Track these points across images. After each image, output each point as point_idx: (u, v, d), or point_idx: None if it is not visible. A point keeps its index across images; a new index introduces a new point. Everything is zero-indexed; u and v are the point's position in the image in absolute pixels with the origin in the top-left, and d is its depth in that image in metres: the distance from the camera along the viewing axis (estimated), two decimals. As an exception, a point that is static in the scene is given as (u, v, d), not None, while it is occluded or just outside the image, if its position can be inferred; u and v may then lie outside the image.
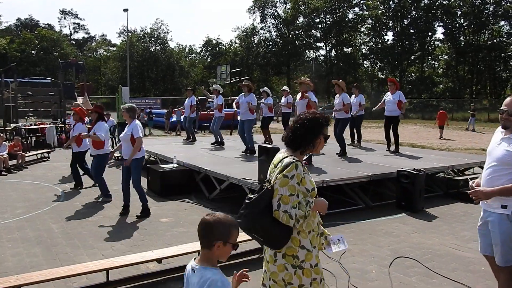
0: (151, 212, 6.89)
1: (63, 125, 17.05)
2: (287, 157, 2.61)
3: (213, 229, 1.96)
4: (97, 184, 8.00)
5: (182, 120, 16.13)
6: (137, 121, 6.70)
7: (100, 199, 7.74)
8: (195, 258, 2.05)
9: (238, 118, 11.21)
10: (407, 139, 18.83)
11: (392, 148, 10.47)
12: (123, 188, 6.76)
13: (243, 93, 10.52)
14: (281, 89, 13.47)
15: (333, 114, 10.16)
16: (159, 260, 4.38)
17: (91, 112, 8.24)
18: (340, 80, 10.48)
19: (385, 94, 10.40)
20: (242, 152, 10.27)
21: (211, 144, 11.80)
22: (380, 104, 10.84)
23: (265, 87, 13.25)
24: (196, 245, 4.63)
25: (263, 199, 2.53)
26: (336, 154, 9.64)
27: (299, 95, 9.01)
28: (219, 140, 11.84)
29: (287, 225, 2.48)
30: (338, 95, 10.10)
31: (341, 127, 9.92)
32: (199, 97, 13.71)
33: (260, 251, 5.03)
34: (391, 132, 10.25)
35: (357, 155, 9.83)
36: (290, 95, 12.95)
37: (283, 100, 12.84)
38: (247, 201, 2.56)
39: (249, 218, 2.52)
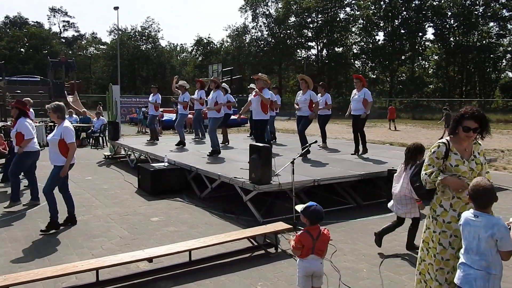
0: (142, 211, 6.86)
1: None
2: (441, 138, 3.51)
3: (493, 192, 2.78)
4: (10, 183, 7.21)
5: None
6: (67, 122, 5.93)
7: (23, 204, 7.09)
8: (471, 210, 2.85)
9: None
10: (398, 139, 18.96)
11: (360, 149, 9.64)
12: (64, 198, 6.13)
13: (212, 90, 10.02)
14: (248, 87, 13.11)
15: (296, 112, 9.66)
16: (149, 260, 4.35)
17: (12, 108, 7.08)
18: (307, 76, 9.75)
19: (353, 92, 9.65)
20: (208, 154, 9.45)
21: (175, 145, 11.19)
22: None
23: (223, 83, 12.92)
24: (188, 244, 4.61)
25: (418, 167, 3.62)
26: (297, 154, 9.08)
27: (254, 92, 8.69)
28: (182, 139, 11.31)
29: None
30: (302, 92, 9.47)
31: (304, 125, 9.36)
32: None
33: (250, 250, 5.03)
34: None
35: (321, 155, 9.63)
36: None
37: (250, 97, 12.66)
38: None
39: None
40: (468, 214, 2.84)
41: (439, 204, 3.33)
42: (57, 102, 6.11)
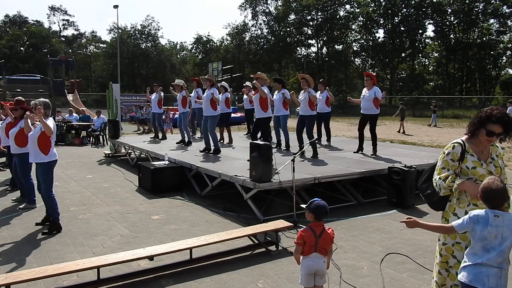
0: (142, 209, 6.86)
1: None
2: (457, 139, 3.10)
3: (504, 193, 2.66)
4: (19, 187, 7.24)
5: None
6: (51, 120, 5.80)
7: (22, 205, 6.97)
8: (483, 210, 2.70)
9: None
10: (398, 136, 18.97)
11: (370, 151, 9.34)
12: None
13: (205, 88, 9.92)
14: (244, 84, 12.86)
15: (297, 110, 9.81)
16: (150, 258, 4.35)
17: (16, 109, 6.84)
18: (307, 75, 9.53)
19: (363, 90, 9.45)
20: (201, 151, 9.61)
21: (176, 143, 11.27)
22: (358, 100, 9.83)
23: (222, 82, 12.87)
24: (188, 242, 4.61)
25: (429, 171, 3.24)
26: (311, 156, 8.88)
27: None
28: (185, 138, 11.30)
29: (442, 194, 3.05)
30: (303, 90, 9.22)
31: (308, 125, 9.11)
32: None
33: (251, 248, 5.03)
34: (366, 132, 9.42)
35: (322, 153, 9.45)
36: (252, 91, 12.71)
37: (245, 96, 12.55)
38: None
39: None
40: (482, 213, 2.69)
41: (452, 213, 3.06)
42: (44, 99, 5.99)
